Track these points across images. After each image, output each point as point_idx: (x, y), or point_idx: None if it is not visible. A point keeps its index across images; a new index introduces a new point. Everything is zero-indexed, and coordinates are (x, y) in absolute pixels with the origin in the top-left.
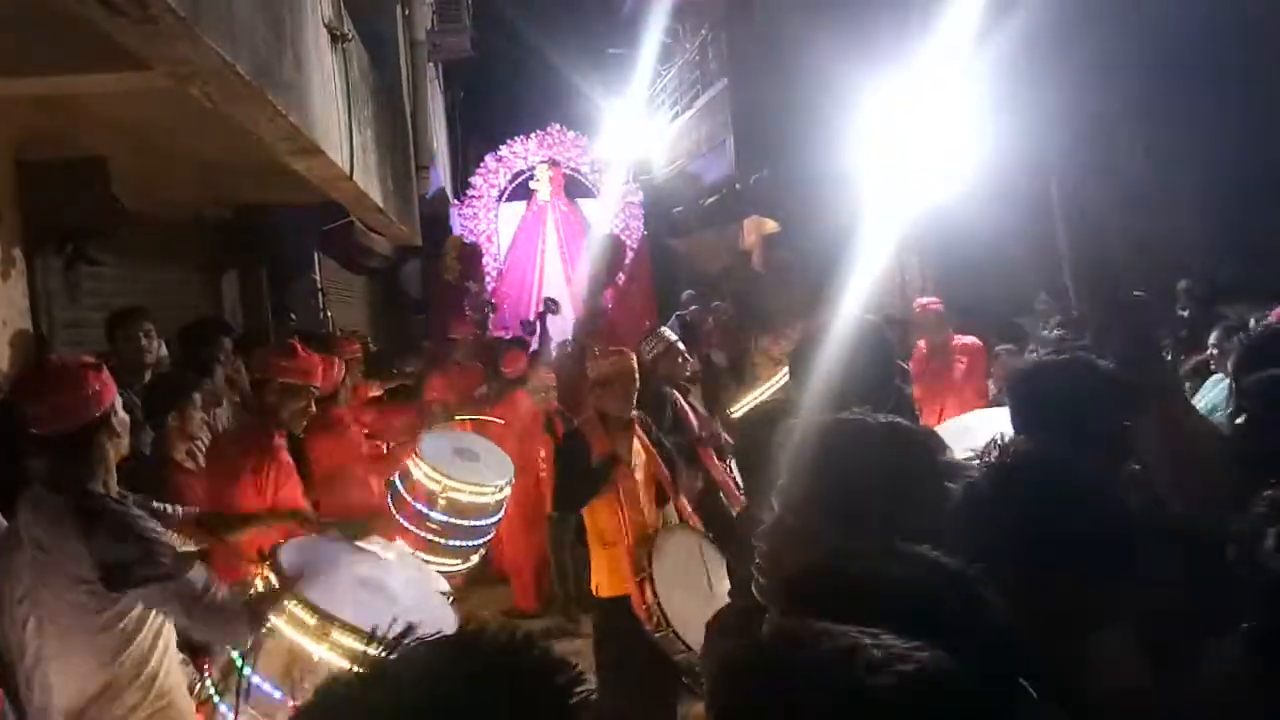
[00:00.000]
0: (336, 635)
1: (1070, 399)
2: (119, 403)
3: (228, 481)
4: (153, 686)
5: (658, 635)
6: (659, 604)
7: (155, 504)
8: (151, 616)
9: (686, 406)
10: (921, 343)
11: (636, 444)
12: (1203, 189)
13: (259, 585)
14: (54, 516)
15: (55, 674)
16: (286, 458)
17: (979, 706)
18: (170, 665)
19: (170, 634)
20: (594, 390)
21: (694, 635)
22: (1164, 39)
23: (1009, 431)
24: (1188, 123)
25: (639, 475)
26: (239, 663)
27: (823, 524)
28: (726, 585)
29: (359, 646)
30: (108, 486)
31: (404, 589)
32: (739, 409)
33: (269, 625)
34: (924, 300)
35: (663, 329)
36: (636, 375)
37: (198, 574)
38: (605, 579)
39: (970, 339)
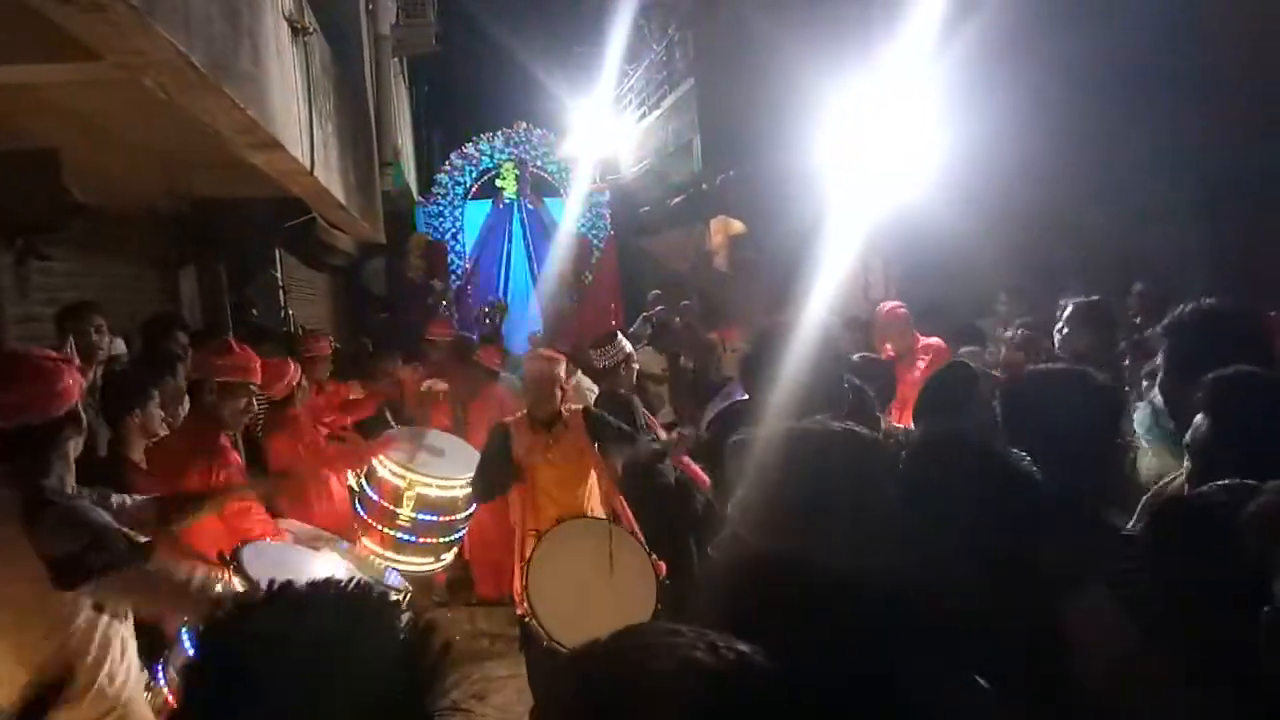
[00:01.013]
0: None
1: (1063, 411)
2: (83, 405)
3: (174, 482)
4: (104, 699)
5: (526, 621)
6: (528, 592)
7: (113, 498)
8: (100, 626)
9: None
10: (888, 345)
11: (567, 440)
12: (1165, 193)
13: (220, 588)
14: (3, 514)
15: None
16: (235, 457)
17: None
18: (125, 673)
19: (128, 642)
20: (523, 388)
21: (565, 626)
22: (1124, 42)
23: None
24: (1150, 126)
25: (557, 470)
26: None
27: (777, 532)
28: (629, 579)
29: None
30: (64, 483)
31: None
32: (710, 410)
33: None
34: (888, 304)
35: (620, 338)
36: (557, 378)
37: (157, 560)
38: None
39: (934, 340)
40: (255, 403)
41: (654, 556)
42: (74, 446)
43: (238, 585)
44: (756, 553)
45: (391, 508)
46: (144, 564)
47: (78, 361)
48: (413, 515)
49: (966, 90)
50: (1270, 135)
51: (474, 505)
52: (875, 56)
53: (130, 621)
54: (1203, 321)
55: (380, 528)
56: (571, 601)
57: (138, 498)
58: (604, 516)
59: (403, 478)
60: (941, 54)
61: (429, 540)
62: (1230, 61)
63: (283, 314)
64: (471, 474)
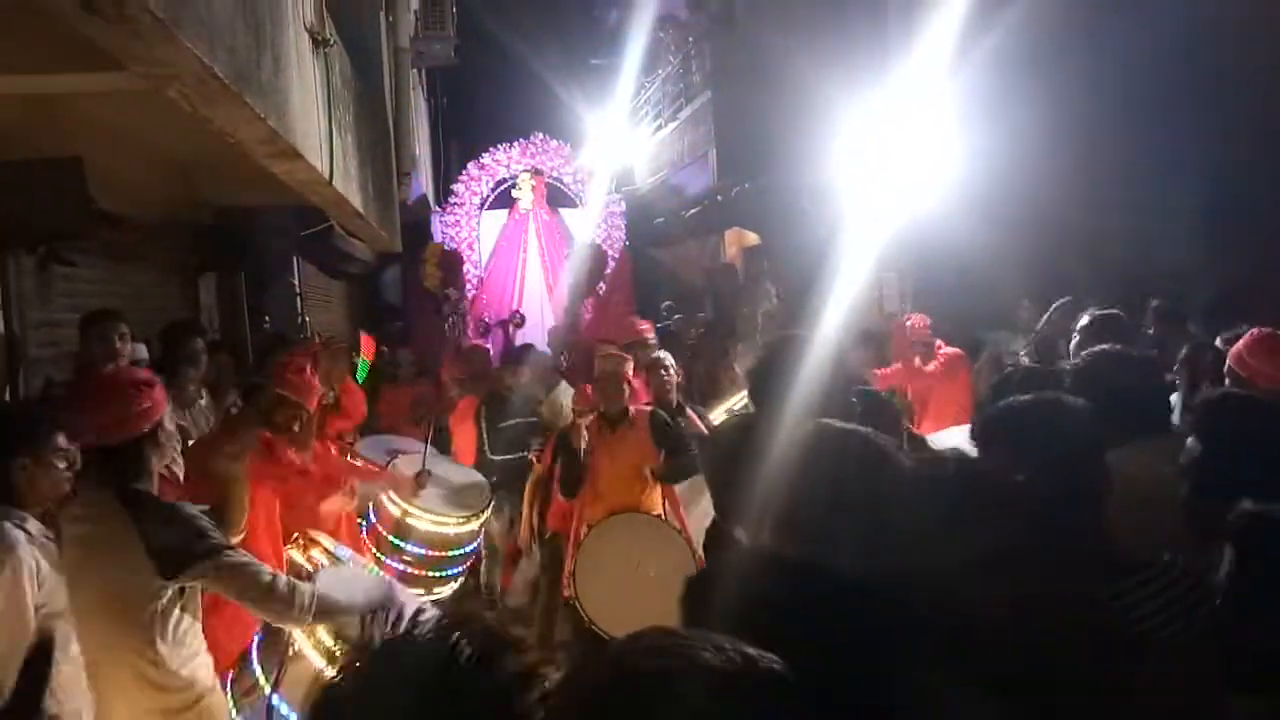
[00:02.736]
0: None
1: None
2: (167, 417)
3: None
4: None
5: (571, 603)
6: (575, 578)
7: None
8: (182, 622)
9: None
10: (916, 359)
11: (632, 438)
12: (1181, 205)
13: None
14: (101, 514)
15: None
16: (290, 455)
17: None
18: (208, 667)
19: (202, 640)
20: (595, 386)
21: (605, 611)
22: (1141, 55)
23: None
24: (1166, 138)
25: (618, 466)
26: (263, 683)
27: (795, 534)
28: (662, 571)
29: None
30: (154, 489)
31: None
32: (718, 414)
33: (296, 649)
34: (912, 318)
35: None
36: (627, 375)
37: (242, 554)
38: (557, 521)
39: (953, 349)
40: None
41: (699, 554)
42: (158, 458)
43: (321, 590)
44: (772, 556)
45: (391, 538)
46: (240, 555)
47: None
48: (410, 549)
49: (981, 104)
50: None
51: (474, 544)
52: (891, 70)
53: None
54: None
55: (382, 556)
56: (614, 589)
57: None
58: (658, 514)
59: (399, 507)
60: (956, 67)
61: (419, 573)
62: (1248, 74)
63: (300, 320)
64: (468, 512)
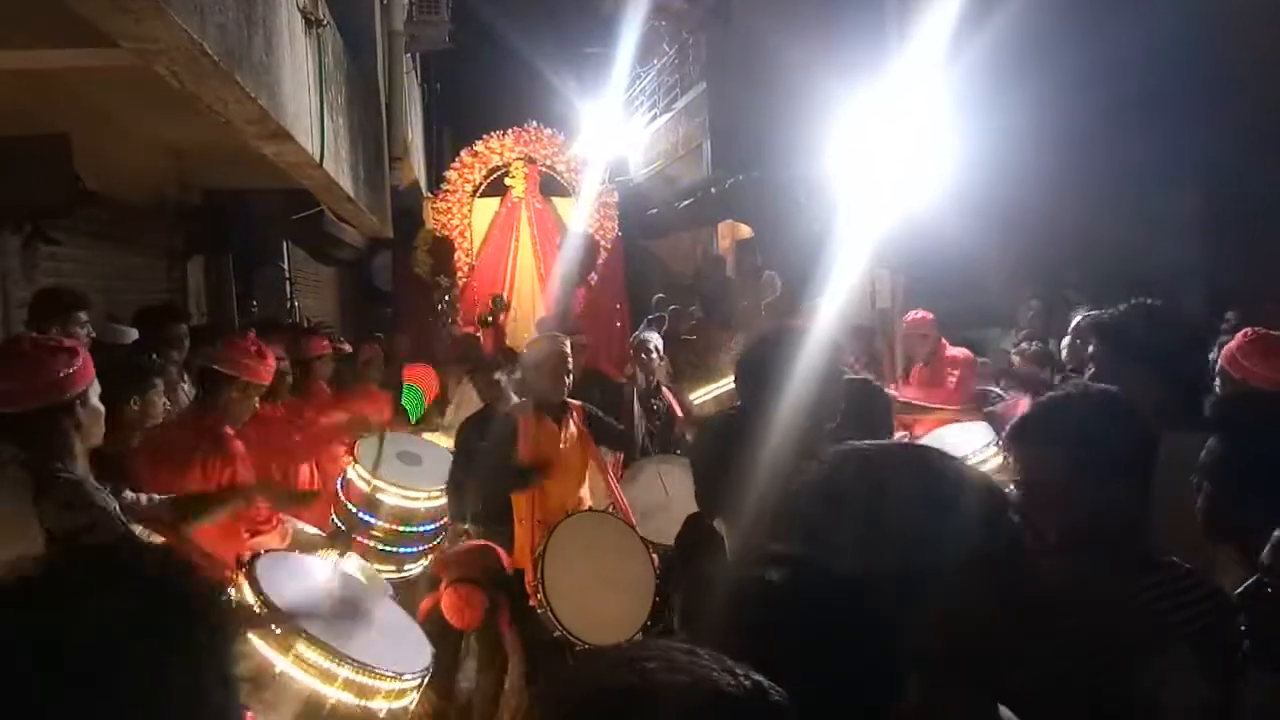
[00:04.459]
0: (347, 673)
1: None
2: (94, 391)
3: (175, 471)
4: None
5: (539, 611)
6: (543, 585)
7: (126, 494)
8: None
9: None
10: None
11: (571, 428)
12: (1174, 204)
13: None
14: (16, 493)
15: None
16: (240, 447)
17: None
18: None
19: None
20: (528, 373)
21: (577, 618)
22: (1135, 54)
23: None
24: (1160, 137)
25: (564, 459)
26: None
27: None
28: (633, 572)
29: (367, 681)
30: (77, 469)
31: (380, 611)
32: (699, 397)
33: (277, 672)
34: (913, 312)
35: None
36: (567, 359)
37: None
38: (515, 553)
39: (960, 351)
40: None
41: (650, 547)
42: (80, 436)
43: (247, 594)
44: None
45: (361, 514)
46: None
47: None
48: (380, 523)
49: (977, 99)
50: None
51: (445, 518)
52: (887, 64)
53: None
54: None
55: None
56: (581, 593)
57: (155, 496)
58: (604, 509)
59: (368, 483)
60: (953, 63)
61: (390, 549)
62: (1242, 73)
63: (289, 306)
64: (442, 486)
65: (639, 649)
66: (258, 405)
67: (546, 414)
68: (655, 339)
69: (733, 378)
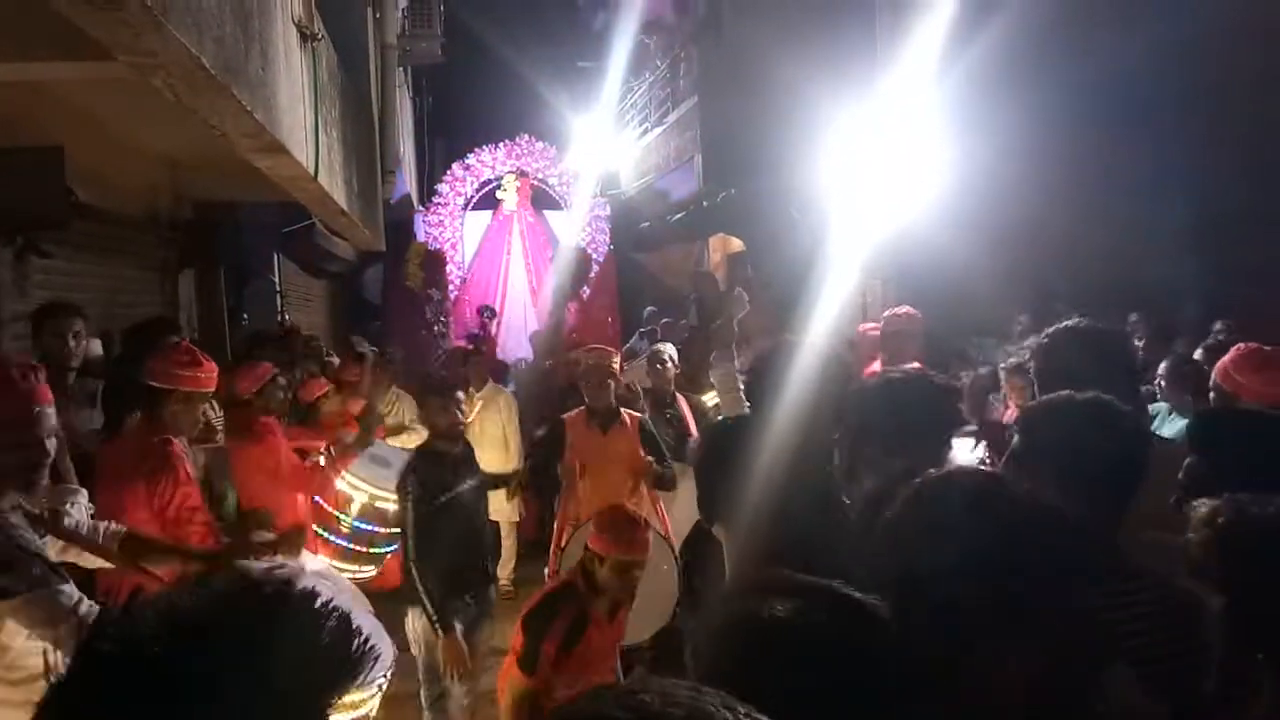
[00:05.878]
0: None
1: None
2: (45, 417)
3: (120, 488)
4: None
5: None
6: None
7: (74, 515)
8: None
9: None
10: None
11: (621, 436)
12: (1165, 217)
13: None
14: None
15: None
16: (187, 468)
17: None
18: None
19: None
20: (581, 383)
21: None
22: (1127, 66)
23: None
24: (1152, 149)
25: (608, 466)
26: None
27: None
28: (655, 578)
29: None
30: (10, 499)
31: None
32: (709, 398)
33: None
34: (899, 309)
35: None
36: (610, 371)
37: (71, 590)
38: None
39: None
40: (210, 410)
41: (680, 560)
42: (20, 464)
43: None
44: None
45: (335, 513)
46: (53, 591)
47: (39, 373)
48: (353, 523)
49: (968, 112)
50: (1271, 161)
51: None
52: (878, 78)
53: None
54: (1070, 340)
55: (325, 534)
56: None
57: (113, 525)
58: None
59: (345, 482)
60: (944, 76)
61: (361, 549)
62: (1234, 86)
63: (280, 319)
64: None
65: (640, 684)
66: (266, 419)
67: (594, 421)
68: (669, 348)
69: (718, 392)
